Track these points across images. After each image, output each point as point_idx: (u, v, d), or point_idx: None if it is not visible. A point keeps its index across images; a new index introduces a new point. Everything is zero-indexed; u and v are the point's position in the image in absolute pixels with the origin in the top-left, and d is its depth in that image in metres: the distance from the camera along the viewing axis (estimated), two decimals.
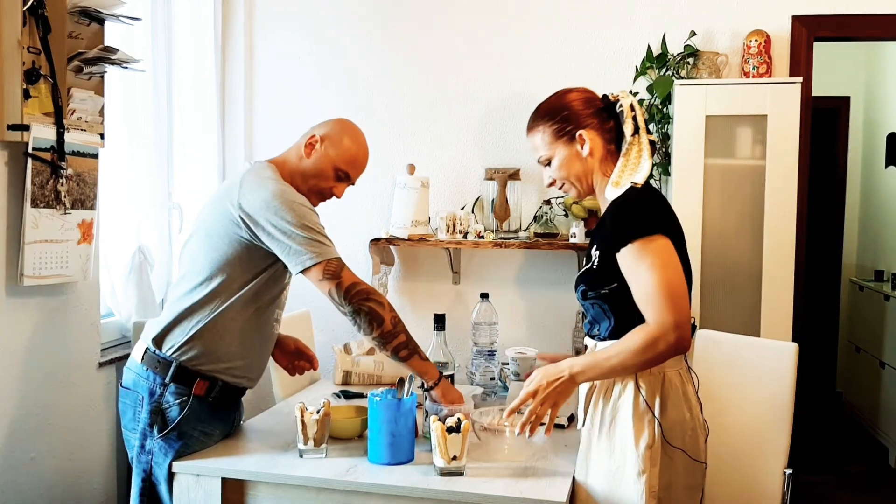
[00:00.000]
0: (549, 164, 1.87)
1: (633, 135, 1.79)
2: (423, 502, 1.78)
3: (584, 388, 1.82)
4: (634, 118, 1.80)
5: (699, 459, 1.79)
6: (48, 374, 2.38)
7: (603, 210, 1.84)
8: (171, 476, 1.96)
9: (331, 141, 2.11)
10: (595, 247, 1.80)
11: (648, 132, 1.81)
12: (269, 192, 1.95)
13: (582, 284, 1.82)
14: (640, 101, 3.30)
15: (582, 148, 1.81)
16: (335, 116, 2.24)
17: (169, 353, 1.99)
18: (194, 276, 2.02)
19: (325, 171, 2.10)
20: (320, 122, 2.19)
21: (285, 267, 2.00)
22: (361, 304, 1.93)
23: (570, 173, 1.85)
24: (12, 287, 2.20)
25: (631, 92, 3.33)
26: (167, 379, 1.98)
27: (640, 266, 1.66)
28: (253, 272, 2.02)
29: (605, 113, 1.84)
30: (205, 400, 2.00)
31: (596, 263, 1.76)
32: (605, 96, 1.86)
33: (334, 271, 1.93)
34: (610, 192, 1.78)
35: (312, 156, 2.10)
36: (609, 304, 1.76)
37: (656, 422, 1.71)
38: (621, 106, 1.81)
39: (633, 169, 1.77)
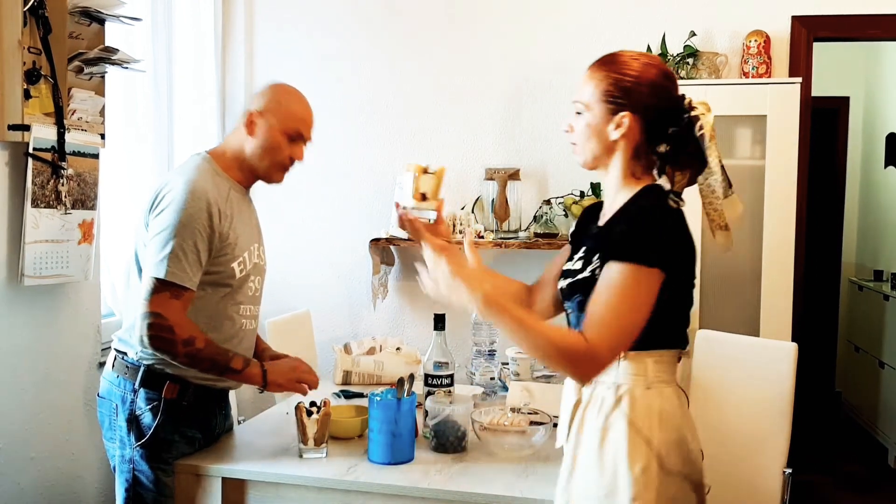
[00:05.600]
0: (579, 113, 1.63)
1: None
2: (423, 502, 1.78)
3: (568, 400, 1.62)
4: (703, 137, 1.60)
5: (701, 482, 1.58)
6: (49, 374, 2.38)
7: (607, 207, 1.66)
8: (157, 484, 1.91)
9: (270, 111, 1.98)
10: (594, 253, 1.59)
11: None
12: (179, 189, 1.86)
13: (579, 294, 1.60)
14: None
15: (616, 129, 1.60)
16: (272, 83, 2.06)
17: (136, 358, 1.91)
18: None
19: (276, 141, 1.98)
20: (252, 98, 2.04)
21: (226, 257, 1.92)
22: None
23: (587, 144, 1.63)
24: (13, 287, 2.21)
25: None
26: (137, 384, 1.90)
27: (617, 288, 1.49)
28: None
29: (670, 113, 1.61)
30: (178, 404, 1.92)
31: (597, 273, 1.55)
32: (683, 97, 1.64)
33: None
34: (624, 194, 1.62)
35: (256, 132, 1.98)
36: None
37: (654, 442, 1.51)
38: (701, 129, 1.60)
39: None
